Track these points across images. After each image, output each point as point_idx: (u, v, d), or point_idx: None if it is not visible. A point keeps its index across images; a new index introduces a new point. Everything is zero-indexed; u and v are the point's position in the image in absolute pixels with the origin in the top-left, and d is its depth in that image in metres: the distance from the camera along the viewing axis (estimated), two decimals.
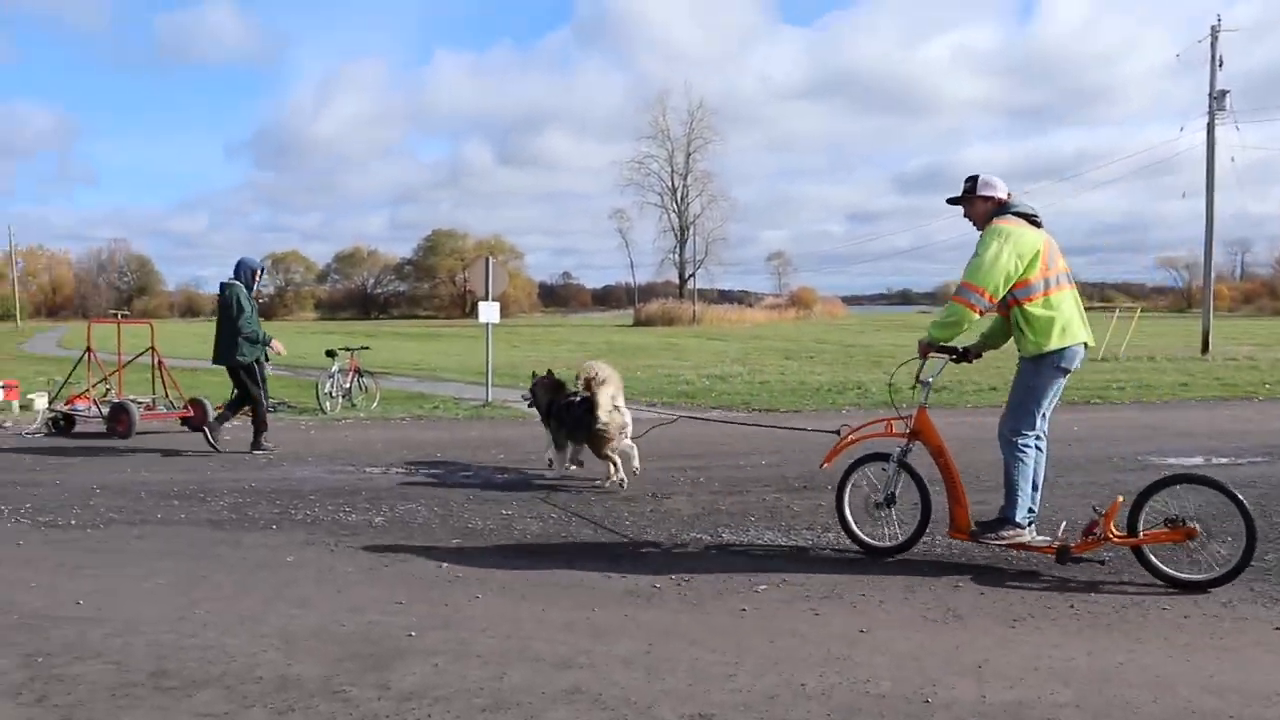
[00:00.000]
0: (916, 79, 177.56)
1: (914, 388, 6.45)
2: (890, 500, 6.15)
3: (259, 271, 11.82)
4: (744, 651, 4.39)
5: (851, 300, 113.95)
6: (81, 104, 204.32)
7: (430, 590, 5.39)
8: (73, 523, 7.26)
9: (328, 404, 15.76)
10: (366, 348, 17.91)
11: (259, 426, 11.04)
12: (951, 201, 6.09)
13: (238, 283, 11.27)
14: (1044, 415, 5.89)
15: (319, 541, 6.55)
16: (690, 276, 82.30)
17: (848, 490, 6.34)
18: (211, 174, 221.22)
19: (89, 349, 13.89)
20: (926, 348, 6.10)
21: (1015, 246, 5.57)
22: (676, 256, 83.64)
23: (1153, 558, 5.37)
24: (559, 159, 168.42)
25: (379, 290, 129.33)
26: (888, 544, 6.09)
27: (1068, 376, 5.82)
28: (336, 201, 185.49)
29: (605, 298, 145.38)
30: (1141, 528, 5.38)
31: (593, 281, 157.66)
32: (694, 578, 5.59)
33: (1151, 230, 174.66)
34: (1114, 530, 5.43)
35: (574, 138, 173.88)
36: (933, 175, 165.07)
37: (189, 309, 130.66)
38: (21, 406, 16.72)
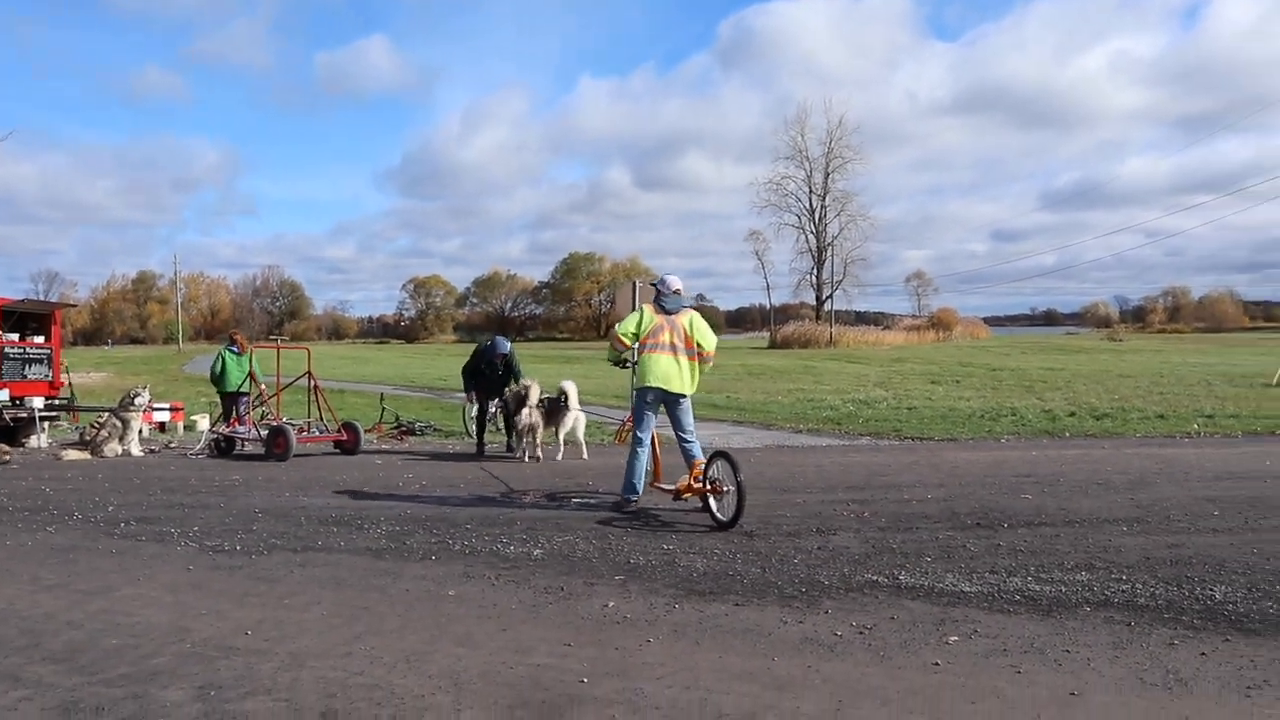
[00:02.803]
0: (1071, 91, 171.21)
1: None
2: None
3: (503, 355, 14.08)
4: (943, 715, 4.00)
5: (993, 321, 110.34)
6: (245, 138, 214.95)
7: (599, 632, 5.15)
8: (238, 548, 7.32)
9: (473, 427, 15.85)
10: None
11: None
12: (653, 283, 9.60)
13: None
14: (675, 432, 8.98)
15: (479, 575, 6.40)
16: (828, 298, 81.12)
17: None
18: (360, 201, 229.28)
19: (250, 374, 14.29)
20: (613, 362, 10.28)
21: (638, 320, 8.89)
22: (814, 278, 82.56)
23: (711, 503, 8.14)
24: (698, 181, 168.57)
25: (516, 313, 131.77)
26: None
27: (672, 404, 8.83)
28: (478, 226, 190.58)
29: (740, 319, 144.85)
30: (705, 483, 8.18)
31: (727, 303, 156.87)
32: (876, 625, 5.20)
33: None
34: (695, 484, 8.28)
35: (713, 160, 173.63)
36: (1084, 191, 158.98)
37: (335, 332, 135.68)
38: (186, 428, 17.39)
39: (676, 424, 8.92)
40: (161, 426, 17.23)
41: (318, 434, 13.79)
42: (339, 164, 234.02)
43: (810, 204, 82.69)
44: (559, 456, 12.60)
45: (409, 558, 6.93)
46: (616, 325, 9.08)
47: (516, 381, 13.63)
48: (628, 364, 9.18)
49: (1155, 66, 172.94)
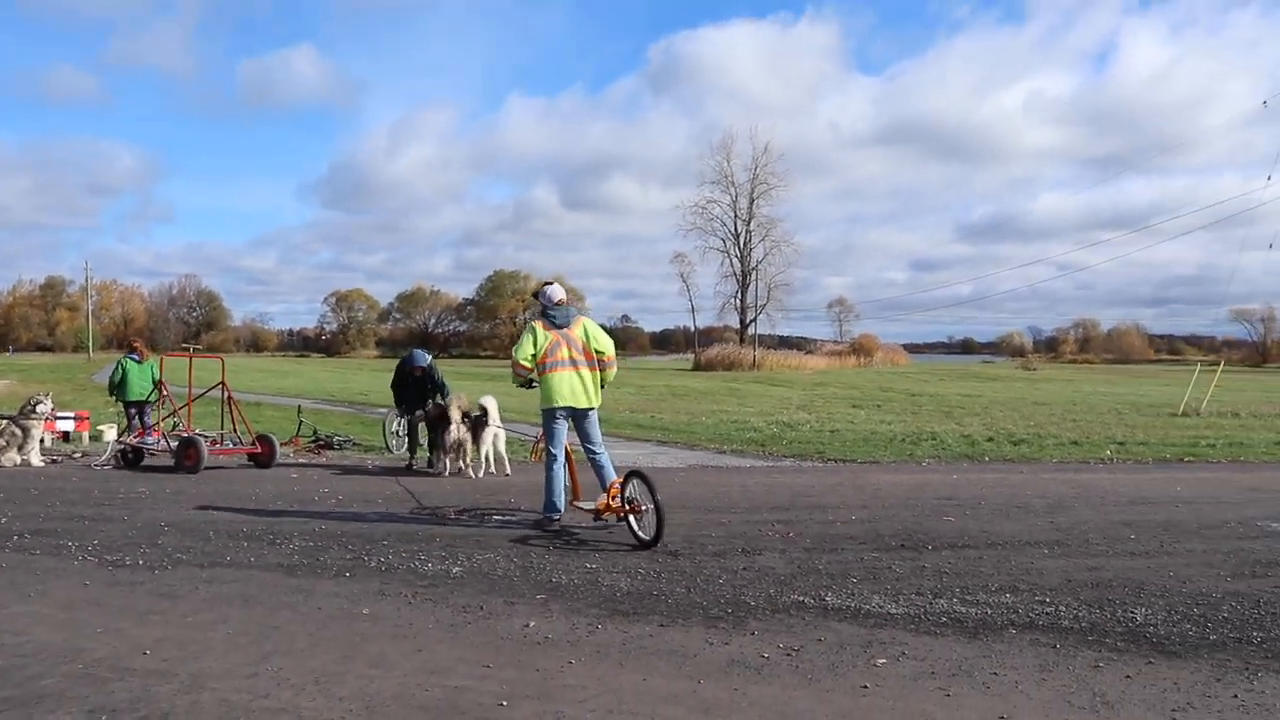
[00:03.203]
0: (986, 127, 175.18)
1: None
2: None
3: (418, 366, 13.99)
4: None
5: (912, 348, 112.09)
6: (164, 144, 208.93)
7: (519, 652, 4.97)
8: (140, 563, 6.98)
9: (393, 443, 15.52)
10: None
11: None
12: (534, 295, 9.27)
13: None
14: (583, 446, 8.77)
15: (394, 592, 6.17)
16: (751, 322, 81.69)
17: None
18: (283, 213, 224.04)
19: (160, 382, 13.81)
20: (519, 384, 8.99)
21: (532, 340, 8.64)
22: (738, 301, 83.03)
23: (632, 522, 7.94)
24: (624, 203, 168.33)
25: (439, 329, 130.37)
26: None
27: (580, 419, 8.65)
28: (403, 242, 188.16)
29: (664, 341, 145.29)
30: (624, 502, 7.98)
31: (652, 325, 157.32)
32: (803, 647, 5.11)
33: (1220, 283, 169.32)
34: (614, 503, 8.06)
35: (640, 182, 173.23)
36: (998, 224, 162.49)
37: (254, 344, 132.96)
38: (91, 438, 16.75)
39: (585, 438, 8.73)
40: (65, 436, 16.57)
41: (231, 446, 13.37)
42: (262, 174, 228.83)
43: (735, 228, 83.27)
44: (479, 473, 12.36)
45: (322, 574, 6.67)
46: (514, 350, 8.80)
47: (441, 395, 13.43)
48: (534, 384, 8.87)
49: (1068, 107, 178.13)
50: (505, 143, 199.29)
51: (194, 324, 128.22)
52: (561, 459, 8.68)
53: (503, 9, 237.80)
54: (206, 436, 13.38)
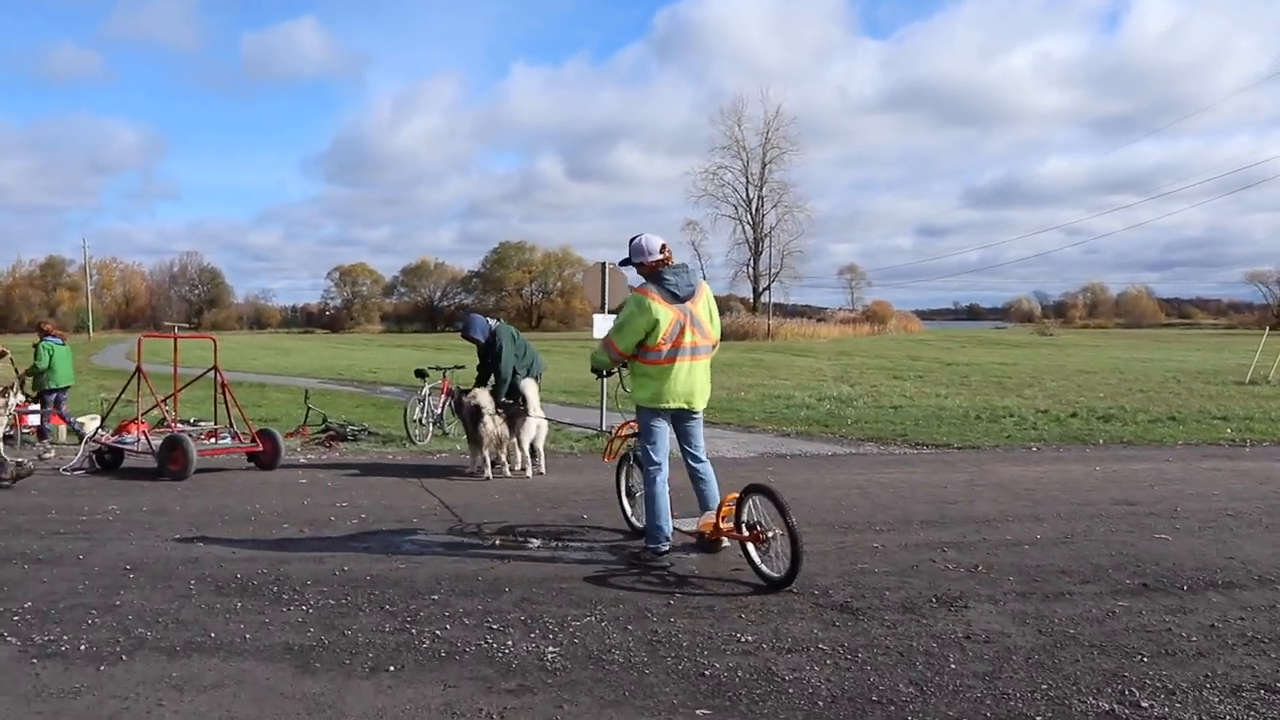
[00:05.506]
0: (995, 90, 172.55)
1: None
2: (630, 491, 7.47)
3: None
4: None
5: (920, 315, 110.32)
6: (168, 120, 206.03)
7: None
8: (81, 648, 4.69)
9: (416, 432, 13.36)
10: (461, 366, 15.10)
11: None
12: (623, 263, 6.88)
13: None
14: (681, 449, 6.75)
15: (470, 709, 3.90)
16: (765, 289, 79.42)
17: (622, 477, 7.55)
18: (287, 188, 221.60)
19: (139, 369, 11.60)
20: (596, 371, 7.11)
21: (647, 319, 6.36)
22: (751, 269, 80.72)
23: (754, 556, 5.97)
24: (632, 172, 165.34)
25: (445, 303, 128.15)
26: (637, 524, 7.19)
27: (684, 418, 6.64)
28: (408, 214, 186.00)
29: None
30: (742, 528, 6.01)
31: None
32: None
33: (1229, 246, 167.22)
34: (724, 524, 6.21)
35: (647, 151, 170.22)
36: (1006, 189, 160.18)
37: (257, 321, 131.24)
38: (70, 432, 14.59)
39: (685, 440, 6.72)
40: (40, 432, 14.40)
41: (228, 445, 11.17)
42: (266, 149, 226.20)
43: (747, 194, 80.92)
44: (528, 473, 10.21)
45: (353, 667, 4.43)
46: (616, 329, 6.59)
47: (496, 376, 10.68)
48: (613, 373, 7.02)
49: (1076, 69, 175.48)
50: (510, 113, 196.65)
51: (196, 301, 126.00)
52: (667, 470, 6.60)
53: None
54: (202, 428, 11.26)
